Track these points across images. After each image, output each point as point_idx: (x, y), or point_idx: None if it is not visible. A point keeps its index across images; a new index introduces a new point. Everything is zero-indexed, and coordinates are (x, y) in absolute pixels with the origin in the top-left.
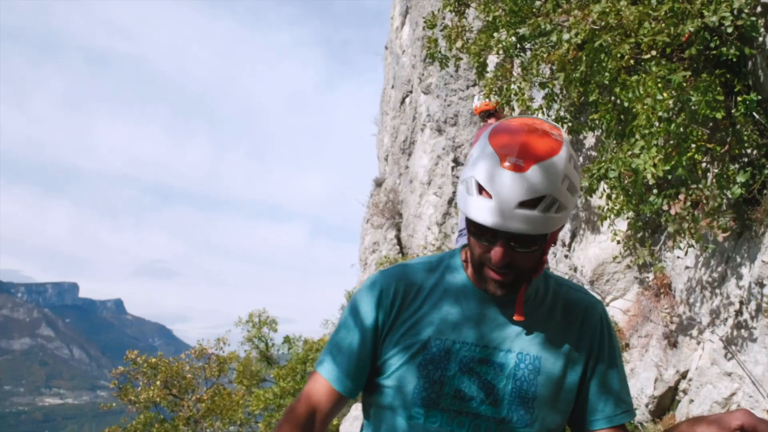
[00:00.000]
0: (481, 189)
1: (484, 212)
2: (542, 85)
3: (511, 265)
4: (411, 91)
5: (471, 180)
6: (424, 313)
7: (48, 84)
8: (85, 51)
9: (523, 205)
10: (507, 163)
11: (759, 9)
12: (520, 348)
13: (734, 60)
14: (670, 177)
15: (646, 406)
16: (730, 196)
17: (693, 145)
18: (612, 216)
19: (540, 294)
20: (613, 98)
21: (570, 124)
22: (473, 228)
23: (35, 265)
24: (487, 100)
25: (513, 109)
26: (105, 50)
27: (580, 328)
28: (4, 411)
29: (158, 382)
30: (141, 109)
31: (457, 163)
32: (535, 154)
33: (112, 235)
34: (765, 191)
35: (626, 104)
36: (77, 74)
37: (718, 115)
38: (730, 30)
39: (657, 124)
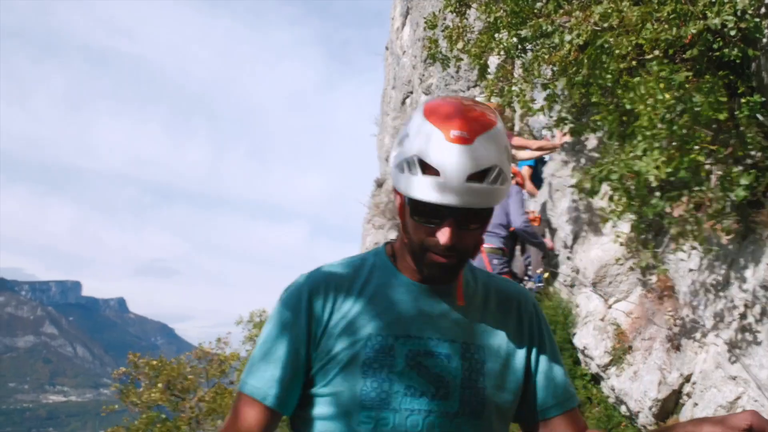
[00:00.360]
0: (425, 167)
1: (432, 190)
2: (544, 87)
3: (456, 247)
4: (412, 92)
5: (413, 159)
6: (358, 312)
7: (49, 83)
8: (85, 50)
9: (471, 178)
10: (452, 136)
11: (763, 10)
12: (464, 337)
13: (737, 61)
14: (672, 179)
15: (650, 409)
16: (733, 198)
17: (696, 147)
18: (614, 218)
19: (471, 284)
20: (615, 100)
21: (572, 125)
22: (417, 211)
23: (38, 263)
24: (489, 102)
25: (514, 111)
26: (105, 49)
27: (518, 316)
28: (9, 408)
29: (160, 384)
30: (141, 108)
31: None
32: (477, 126)
33: (114, 234)
34: None
35: (628, 106)
36: (78, 73)
37: (722, 117)
38: (733, 32)
39: (659, 125)
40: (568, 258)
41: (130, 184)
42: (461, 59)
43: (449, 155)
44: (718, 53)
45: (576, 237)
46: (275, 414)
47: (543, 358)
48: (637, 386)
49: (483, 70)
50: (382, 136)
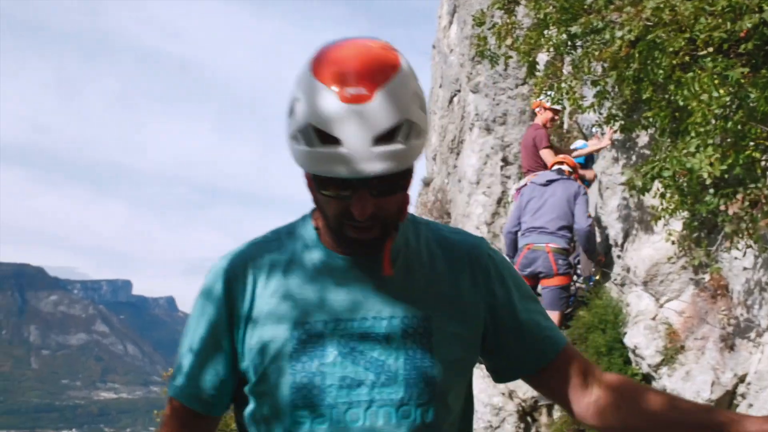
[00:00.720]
0: (323, 136)
1: (335, 163)
2: (594, 83)
3: (376, 216)
4: (459, 90)
5: (307, 129)
6: (281, 297)
7: (100, 84)
8: (135, 51)
9: (379, 141)
10: (347, 95)
11: None
12: (404, 311)
13: None
14: (726, 176)
15: None
16: None
17: (751, 143)
18: (666, 216)
19: (412, 244)
20: (667, 96)
21: (622, 122)
22: (324, 185)
23: (90, 262)
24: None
25: (564, 108)
26: (155, 50)
27: (471, 273)
28: (62, 404)
29: None
30: (190, 108)
31: (506, 162)
32: (376, 75)
33: (163, 233)
34: None
35: (681, 102)
36: (128, 74)
37: None
38: None
39: (713, 121)
40: (619, 257)
41: (180, 183)
42: (510, 56)
43: (347, 119)
44: None
45: (627, 235)
46: (204, 419)
47: (511, 311)
48: (689, 387)
49: (532, 67)
50: (430, 135)
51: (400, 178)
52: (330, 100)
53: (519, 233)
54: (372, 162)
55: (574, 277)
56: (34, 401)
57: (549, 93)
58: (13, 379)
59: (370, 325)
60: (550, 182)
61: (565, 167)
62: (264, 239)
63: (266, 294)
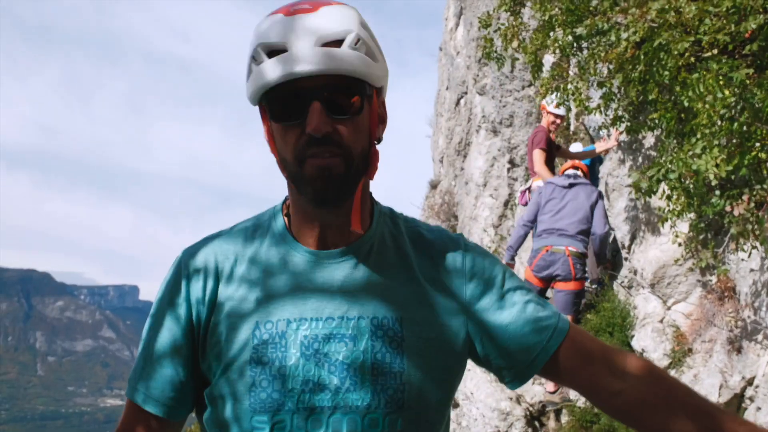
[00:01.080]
0: (270, 51)
1: (280, 68)
2: (600, 84)
3: (333, 139)
4: (466, 92)
5: (256, 50)
6: (245, 293)
7: (109, 87)
8: (144, 54)
9: (326, 44)
10: (291, 11)
11: None
12: (374, 311)
13: None
14: (733, 177)
15: None
16: None
17: (757, 144)
18: (673, 218)
19: (388, 242)
20: (672, 97)
21: (628, 123)
22: (276, 112)
23: (97, 267)
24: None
25: (570, 110)
26: (164, 53)
27: (446, 274)
28: (68, 411)
29: None
30: (199, 110)
31: (513, 164)
32: (323, 2)
33: (172, 236)
34: None
35: (686, 103)
36: (137, 77)
37: None
38: None
39: (719, 123)
40: (626, 259)
41: (189, 186)
42: (516, 58)
43: (292, 28)
44: None
45: (634, 237)
46: (162, 421)
47: (495, 309)
48: (697, 389)
49: (537, 68)
50: (437, 137)
51: (351, 94)
52: (275, 18)
53: (534, 232)
54: (316, 60)
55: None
56: (40, 408)
57: (554, 95)
58: (19, 386)
59: (336, 326)
60: (572, 185)
61: (579, 172)
62: (230, 231)
63: (228, 290)
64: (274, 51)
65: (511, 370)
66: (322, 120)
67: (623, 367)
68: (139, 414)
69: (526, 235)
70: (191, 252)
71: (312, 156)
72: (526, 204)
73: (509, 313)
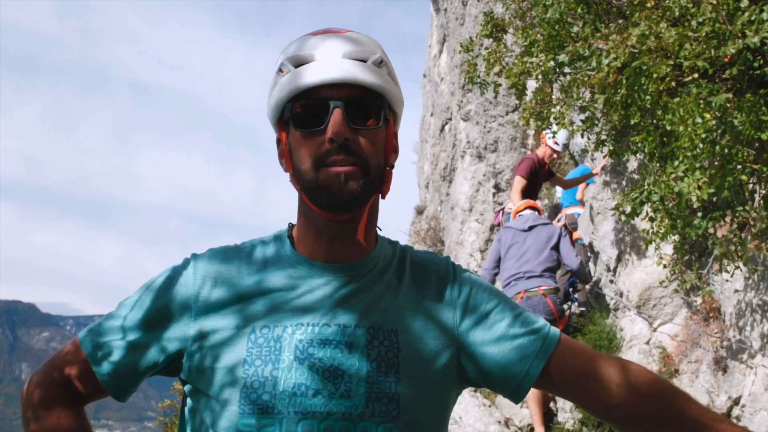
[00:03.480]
0: (298, 63)
1: (305, 76)
2: (582, 109)
3: (352, 148)
4: (450, 118)
5: (284, 63)
6: (246, 300)
7: (95, 117)
8: (130, 84)
9: (350, 56)
10: (319, 32)
11: None
12: (372, 322)
13: None
14: (715, 199)
15: None
16: None
17: (738, 166)
18: (657, 240)
19: (387, 258)
20: (654, 121)
21: (611, 147)
22: (299, 120)
23: (83, 297)
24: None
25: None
26: (150, 83)
27: (439, 292)
28: None
29: None
30: (186, 140)
31: (498, 189)
32: (345, 30)
33: (159, 265)
34: None
35: (668, 126)
36: (123, 107)
37: (764, 136)
38: None
39: (700, 145)
40: (611, 281)
41: (176, 215)
42: (500, 84)
43: (320, 42)
44: (758, 71)
45: (619, 260)
46: (90, 375)
47: (486, 326)
48: None
49: (521, 92)
50: (422, 163)
51: (372, 103)
52: (303, 38)
53: (500, 279)
54: (342, 69)
55: (567, 303)
56: None
57: (554, 127)
58: (5, 418)
59: (333, 332)
60: (532, 228)
61: (536, 213)
62: (236, 245)
63: (229, 298)
64: (301, 63)
65: (503, 391)
66: (344, 126)
67: (617, 380)
68: (80, 354)
69: (492, 282)
70: (203, 257)
71: (330, 164)
72: (499, 225)
73: (499, 330)
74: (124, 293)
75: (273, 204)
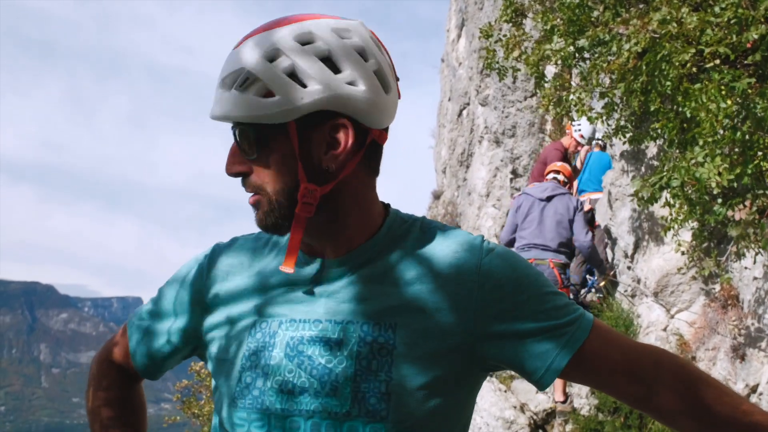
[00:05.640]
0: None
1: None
2: (602, 95)
3: (249, 183)
4: (468, 104)
5: None
6: (251, 294)
7: (112, 101)
8: (148, 68)
9: (222, 84)
10: (239, 39)
11: None
12: (365, 318)
13: None
14: (735, 185)
15: None
16: None
17: (759, 153)
18: (675, 226)
19: (393, 244)
20: (675, 107)
21: (631, 133)
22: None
23: (101, 280)
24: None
25: (572, 120)
26: (167, 67)
27: (456, 281)
28: (73, 423)
29: None
30: (202, 124)
31: (515, 174)
32: (260, 28)
33: (176, 249)
34: None
35: (689, 113)
36: (141, 91)
37: None
38: None
39: (721, 132)
40: (629, 268)
41: (193, 200)
42: (518, 69)
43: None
44: None
45: (637, 246)
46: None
47: (510, 319)
48: None
49: (540, 79)
50: (439, 148)
51: (248, 136)
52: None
53: (517, 245)
54: (216, 102)
55: (583, 290)
56: (45, 420)
57: (583, 118)
58: (24, 398)
59: (323, 329)
60: (550, 198)
61: (561, 177)
62: (255, 236)
63: (238, 290)
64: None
65: (534, 368)
66: (231, 161)
67: (649, 374)
68: (125, 349)
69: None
70: (220, 249)
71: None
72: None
73: (519, 341)
74: (141, 276)
75: None
